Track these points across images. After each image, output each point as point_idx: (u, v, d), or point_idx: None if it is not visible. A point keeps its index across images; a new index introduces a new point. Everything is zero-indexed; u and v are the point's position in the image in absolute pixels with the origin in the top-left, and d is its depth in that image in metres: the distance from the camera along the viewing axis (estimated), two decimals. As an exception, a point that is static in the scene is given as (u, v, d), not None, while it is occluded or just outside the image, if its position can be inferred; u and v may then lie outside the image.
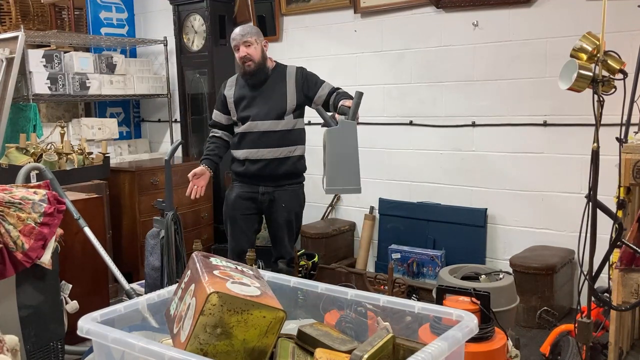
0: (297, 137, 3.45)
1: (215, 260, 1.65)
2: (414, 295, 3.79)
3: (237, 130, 3.46)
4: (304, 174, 3.55)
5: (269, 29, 4.91)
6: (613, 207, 2.57)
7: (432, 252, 4.15)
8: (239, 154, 3.43)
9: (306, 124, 3.58)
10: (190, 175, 3.40)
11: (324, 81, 3.44)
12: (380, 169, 4.53)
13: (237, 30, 3.36)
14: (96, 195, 3.70)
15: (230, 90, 3.47)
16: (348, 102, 3.03)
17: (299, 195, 3.54)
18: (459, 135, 4.14)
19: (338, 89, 3.40)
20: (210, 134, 3.58)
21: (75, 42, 5.14)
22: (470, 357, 1.83)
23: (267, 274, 1.88)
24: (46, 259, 2.57)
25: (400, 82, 4.36)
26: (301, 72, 3.44)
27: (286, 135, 3.39)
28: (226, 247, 3.64)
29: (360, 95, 2.92)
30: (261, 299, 1.47)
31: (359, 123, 2.94)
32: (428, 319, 1.72)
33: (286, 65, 3.49)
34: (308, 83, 3.41)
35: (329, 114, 3.07)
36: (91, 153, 3.91)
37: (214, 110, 3.58)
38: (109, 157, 4.01)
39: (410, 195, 4.40)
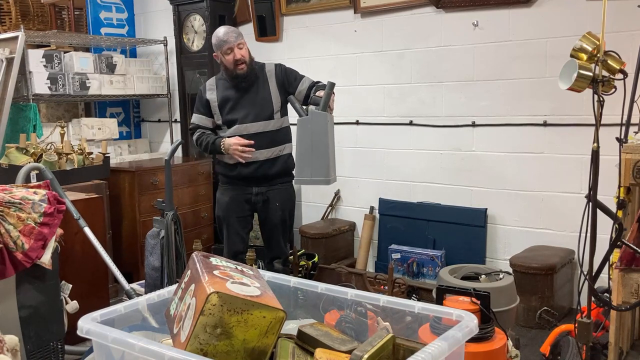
0: (284, 135, 3.45)
1: (215, 260, 1.66)
2: (414, 295, 3.79)
3: (223, 134, 3.40)
4: (293, 172, 3.55)
5: (269, 29, 4.91)
6: (613, 207, 2.57)
7: (432, 252, 4.15)
8: (229, 157, 3.39)
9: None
10: (236, 144, 3.27)
11: (303, 76, 3.43)
12: (380, 169, 4.53)
13: (228, 33, 3.28)
14: (96, 195, 3.70)
15: (212, 93, 3.41)
16: (321, 93, 3.02)
17: (290, 193, 3.54)
18: (459, 135, 4.14)
19: (318, 82, 3.39)
20: (196, 135, 3.44)
21: (75, 42, 5.14)
22: (470, 357, 1.83)
23: (267, 274, 1.88)
24: (46, 259, 2.57)
25: (400, 82, 4.36)
26: (280, 69, 3.42)
27: (275, 135, 3.38)
28: (226, 247, 3.64)
29: (331, 85, 2.94)
30: (261, 299, 1.47)
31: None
32: (428, 319, 1.72)
33: (264, 63, 3.46)
34: (288, 79, 3.40)
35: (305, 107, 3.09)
36: (91, 153, 3.91)
37: (195, 114, 3.47)
38: (109, 157, 4.01)
39: (410, 195, 4.40)
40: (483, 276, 2.96)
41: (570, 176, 3.73)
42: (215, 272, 1.53)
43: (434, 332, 1.68)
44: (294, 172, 3.03)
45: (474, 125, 4.08)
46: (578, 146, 3.67)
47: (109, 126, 5.06)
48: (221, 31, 3.32)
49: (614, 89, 2.26)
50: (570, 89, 2.24)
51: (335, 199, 4.76)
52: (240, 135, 3.34)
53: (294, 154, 3.45)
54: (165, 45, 5.44)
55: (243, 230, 3.51)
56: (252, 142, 3.31)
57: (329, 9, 4.58)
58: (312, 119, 2.90)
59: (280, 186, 3.45)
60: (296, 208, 3.65)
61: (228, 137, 3.35)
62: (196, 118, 3.48)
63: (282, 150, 3.42)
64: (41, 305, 2.64)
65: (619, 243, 2.38)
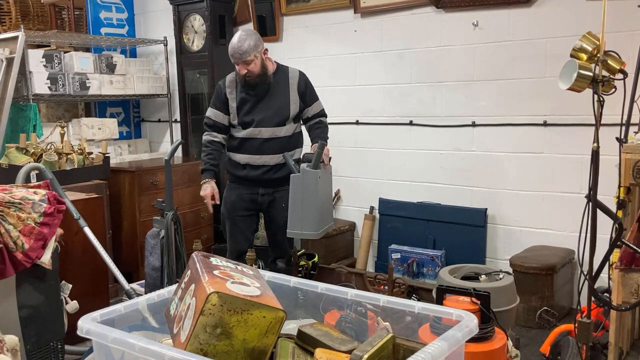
0: (296, 141, 3.47)
1: (215, 260, 1.66)
2: (414, 295, 3.79)
3: (237, 134, 3.40)
4: None
5: (269, 29, 4.91)
6: (613, 207, 2.57)
7: (432, 252, 4.15)
8: (240, 158, 3.40)
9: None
10: (207, 197, 3.37)
11: (317, 98, 3.48)
12: (380, 169, 4.53)
13: (235, 46, 3.20)
14: (96, 195, 3.70)
15: (232, 92, 3.39)
16: (314, 148, 3.19)
17: None
18: (459, 135, 4.14)
19: (323, 115, 3.48)
20: (208, 137, 3.44)
21: (75, 42, 5.14)
22: (470, 357, 1.83)
23: (267, 274, 1.88)
24: (46, 259, 2.57)
25: (400, 82, 4.36)
26: (303, 79, 3.43)
27: (288, 141, 3.39)
28: (226, 247, 3.64)
29: (322, 146, 3.15)
30: (261, 299, 1.47)
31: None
32: (428, 319, 1.72)
33: (288, 67, 3.46)
34: (307, 93, 3.43)
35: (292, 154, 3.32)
36: (91, 153, 3.91)
37: (212, 109, 3.45)
38: (109, 157, 4.01)
39: (410, 195, 4.40)
40: (483, 276, 2.96)
41: (570, 176, 3.73)
42: (215, 272, 1.53)
43: (434, 332, 1.68)
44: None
45: (474, 125, 4.08)
46: (578, 146, 3.67)
47: (109, 126, 5.06)
48: (233, 41, 3.24)
49: (614, 89, 2.26)
50: (570, 89, 2.24)
51: (335, 199, 4.76)
52: (252, 138, 3.35)
53: (301, 158, 3.48)
54: (165, 45, 5.44)
55: (248, 229, 3.51)
56: (218, 202, 3.42)
57: (329, 9, 4.58)
58: (303, 176, 3.08)
59: (288, 187, 3.44)
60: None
61: (243, 137, 3.36)
62: (212, 112, 3.44)
63: (292, 155, 3.40)
64: (41, 305, 2.64)
65: (619, 243, 2.38)
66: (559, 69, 2.28)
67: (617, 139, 2.79)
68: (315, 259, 4.18)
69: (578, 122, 3.66)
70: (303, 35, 4.78)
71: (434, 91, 4.21)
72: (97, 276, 3.56)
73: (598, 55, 2.23)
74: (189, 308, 1.47)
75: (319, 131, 3.43)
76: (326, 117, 3.53)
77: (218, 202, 3.42)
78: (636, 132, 2.87)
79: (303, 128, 3.57)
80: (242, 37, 3.24)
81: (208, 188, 3.39)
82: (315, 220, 3.11)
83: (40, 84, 4.45)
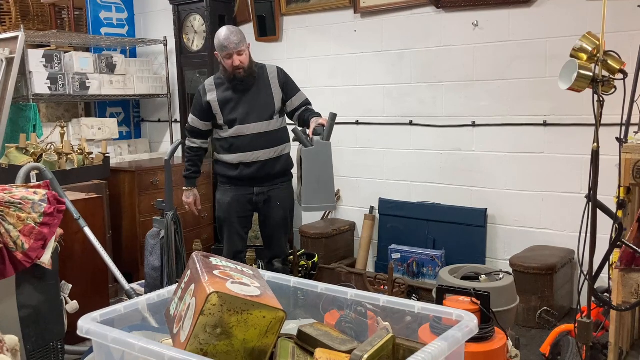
0: (284, 135, 3.48)
1: (215, 260, 1.66)
2: (414, 295, 3.79)
3: (224, 134, 3.40)
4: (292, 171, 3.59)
5: (269, 29, 4.91)
6: (613, 207, 2.57)
7: (432, 252, 4.15)
8: (231, 158, 3.39)
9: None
10: (191, 205, 3.58)
11: (299, 89, 3.49)
12: (380, 169, 4.53)
13: (229, 37, 3.24)
14: (96, 195, 3.70)
15: (212, 94, 3.39)
16: (322, 121, 3.16)
17: (290, 192, 3.57)
18: (459, 135, 4.14)
19: (309, 104, 3.47)
20: (188, 143, 3.53)
21: (75, 42, 5.14)
22: (470, 357, 1.83)
23: (267, 274, 1.88)
24: (46, 259, 2.57)
25: (400, 82, 4.36)
26: (282, 72, 3.46)
27: (277, 135, 3.40)
28: (226, 247, 3.64)
29: (334, 117, 3.09)
30: (261, 299, 1.47)
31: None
32: (428, 319, 1.72)
33: (264, 64, 3.48)
34: (288, 85, 3.44)
35: (301, 127, 3.23)
36: (91, 153, 3.91)
37: (191, 115, 3.49)
38: (109, 157, 4.01)
39: (410, 195, 4.40)
40: (483, 276, 2.96)
41: (570, 176, 3.73)
42: (215, 272, 1.53)
43: (434, 332, 1.68)
44: (298, 198, 3.21)
45: (474, 125, 4.08)
46: (578, 146, 3.67)
47: (109, 126, 5.06)
48: (222, 34, 3.27)
49: (614, 89, 2.26)
50: (570, 89, 2.24)
51: (335, 199, 4.76)
52: (241, 136, 3.36)
53: (293, 165, 3.51)
54: (165, 45, 5.44)
55: (243, 230, 3.52)
56: (201, 213, 3.70)
57: (329, 9, 4.58)
58: (317, 149, 3.05)
59: (281, 185, 3.47)
60: (296, 208, 3.65)
61: (231, 137, 3.36)
62: (190, 118, 3.50)
63: (283, 149, 3.44)
64: (41, 305, 2.64)
65: (619, 243, 2.38)
66: (559, 69, 2.28)
67: (617, 139, 2.79)
68: (315, 259, 4.19)
69: (578, 122, 3.67)
70: (303, 35, 4.78)
71: (434, 91, 4.21)
72: (97, 276, 3.56)
73: (598, 55, 2.23)
74: (189, 308, 1.47)
75: (312, 112, 3.39)
76: (312, 105, 3.51)
77: (200, 208, 3.63)
78: (636, 132, 2.87)
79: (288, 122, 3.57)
80: (230, 29, 3.31)
81: (190, 196, 3.58)
82: (330, 192, 3.13)
83: (40, 84, 4.45)
